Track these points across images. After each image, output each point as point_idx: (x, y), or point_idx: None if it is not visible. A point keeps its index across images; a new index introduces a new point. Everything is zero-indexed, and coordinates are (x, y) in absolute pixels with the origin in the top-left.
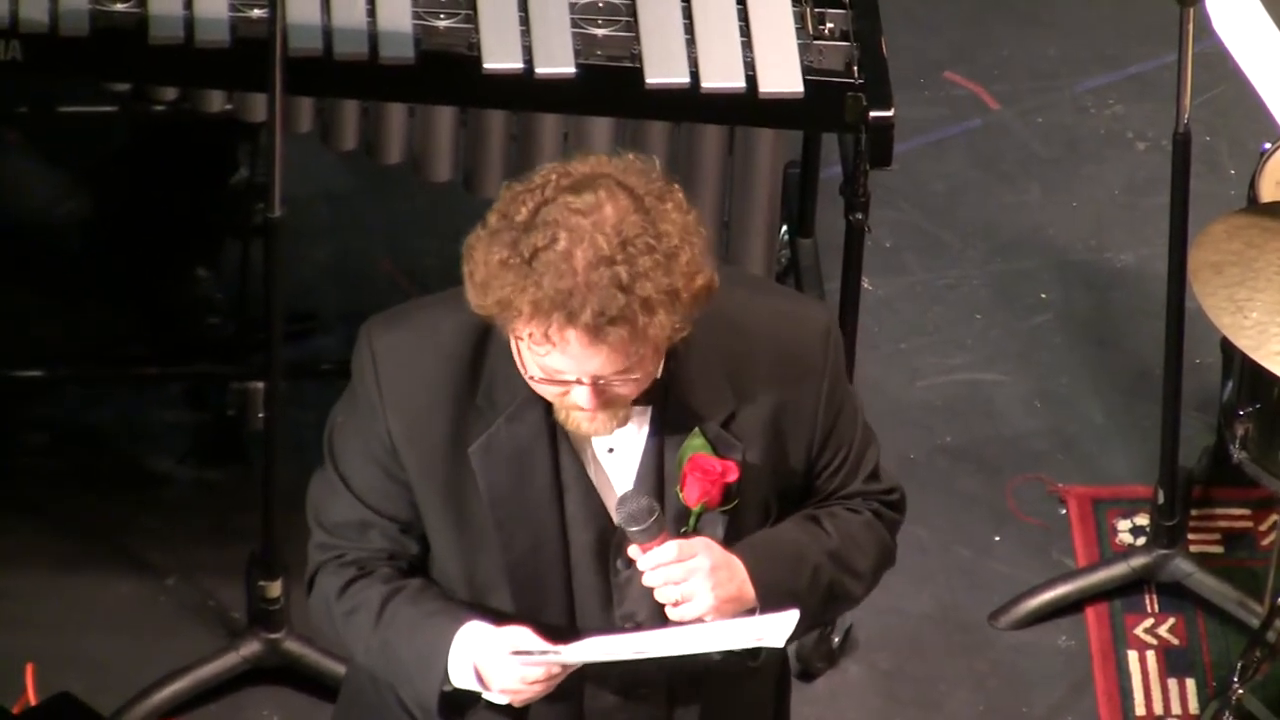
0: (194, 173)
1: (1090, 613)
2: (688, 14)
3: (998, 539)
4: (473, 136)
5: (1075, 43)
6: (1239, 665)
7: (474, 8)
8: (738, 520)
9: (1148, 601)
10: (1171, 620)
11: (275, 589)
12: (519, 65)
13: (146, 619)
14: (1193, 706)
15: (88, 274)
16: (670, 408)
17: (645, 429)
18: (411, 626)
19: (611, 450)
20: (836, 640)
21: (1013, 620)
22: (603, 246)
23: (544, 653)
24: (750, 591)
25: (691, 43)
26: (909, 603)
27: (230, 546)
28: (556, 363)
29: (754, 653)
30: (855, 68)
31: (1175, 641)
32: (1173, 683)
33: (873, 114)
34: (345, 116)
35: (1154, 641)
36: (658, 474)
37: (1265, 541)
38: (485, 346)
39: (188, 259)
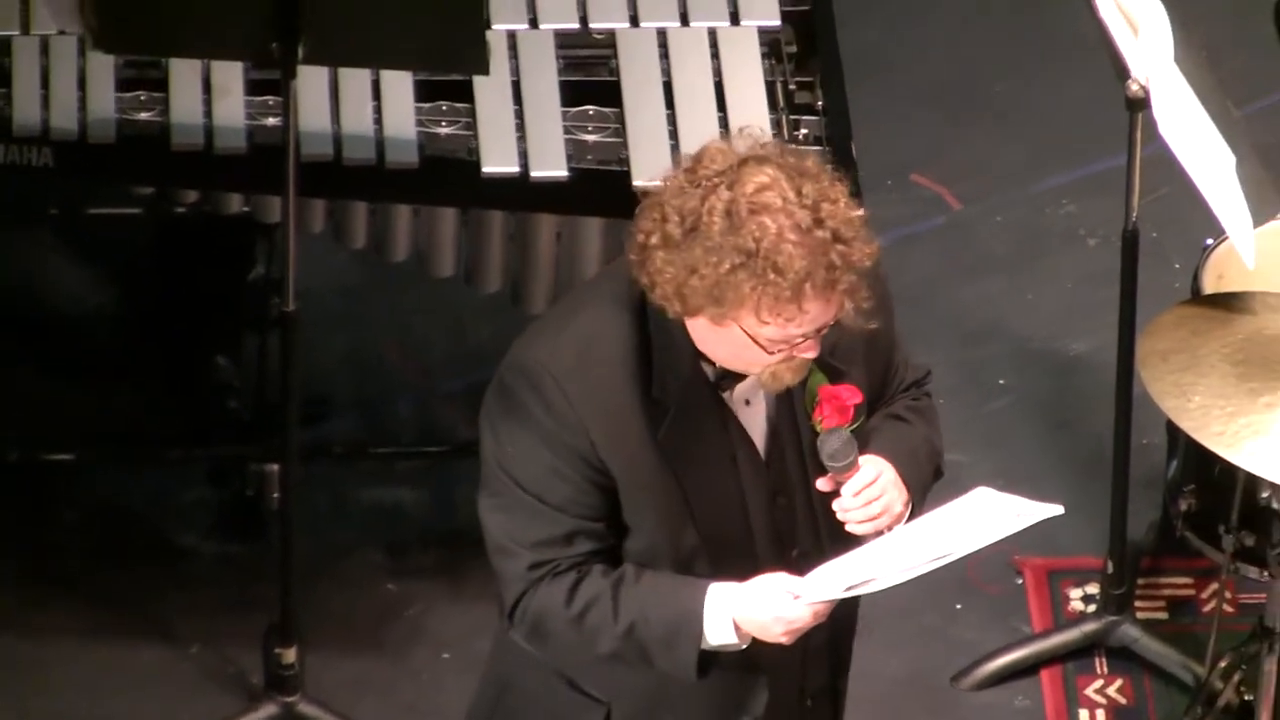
0: (214, 269)
1: (1045, 675)
2: (672, 121)
3: (959, 607)
4: (473, 235)
5: (1032, 147)
6: None
7: (473, 115)
8: (859, 433)
9: (1098, 664)
10: (1120, 681)
11: (290, 655)
12: (515, 169)
13: (171, 683)
14: None
15: (117, 364)
16: None
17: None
18: (655, 603)
19: (749, 402)
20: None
21: (974, 682)
22: (803, 216)
23: (860, 584)
24: (906, 489)
25: (676, 148)
26: (881, 666)
27: (249, 616)
28: (801, 328)
29: None
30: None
31: (1124, 701)
32: None
33: None
34: (355, 217)
35: (1104, 701)
36: (790, 410)
37: (1207, 608)
38: (646, 342)
39: (209, 349)
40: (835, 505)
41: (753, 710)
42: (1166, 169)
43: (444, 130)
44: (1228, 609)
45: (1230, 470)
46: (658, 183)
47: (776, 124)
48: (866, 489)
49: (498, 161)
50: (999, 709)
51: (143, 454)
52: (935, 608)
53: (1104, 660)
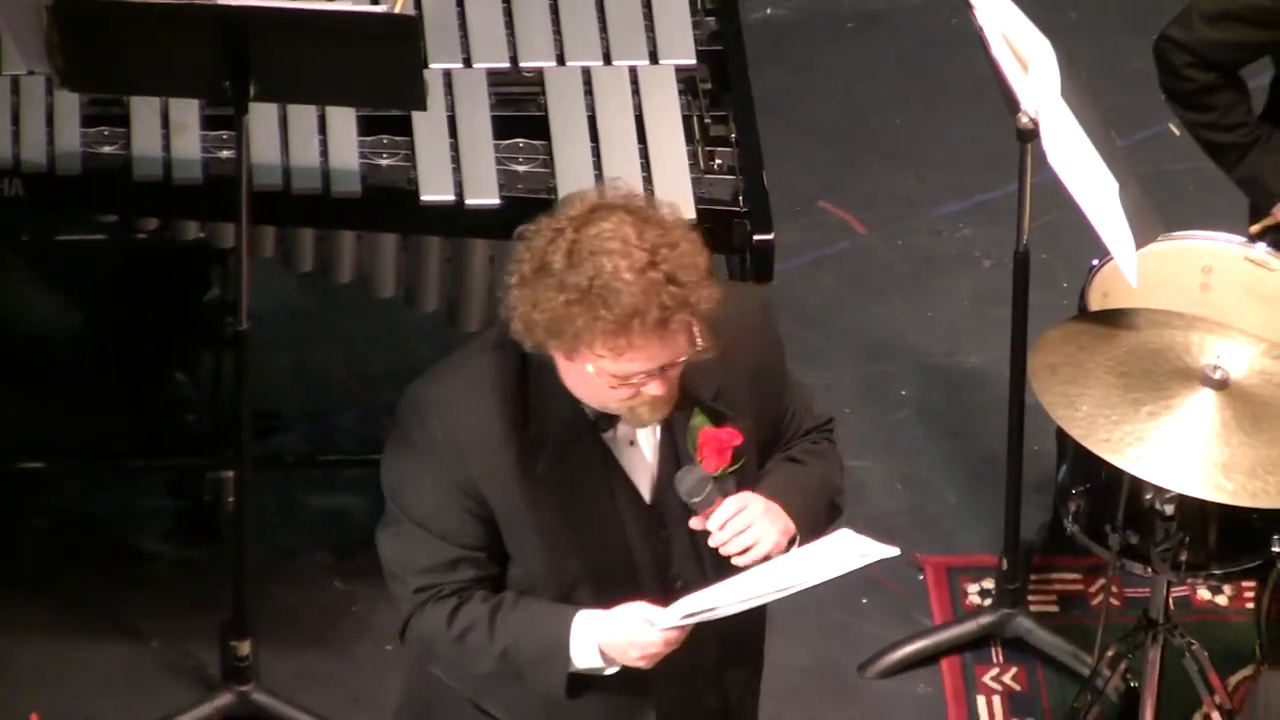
0: (172, 291)
1: (945, 664)
2: (596, 152)
3: (865, 601)
4: (412, 258)
5: (931, 176)
6: (1073, 708)
7: (412, 148)
8: (743, 475)
9: (994, 654)
10: (1015, 669)
11: (245, 648)
12: (451, 197)
13: (134, 677)
14: None
15: (82, 380)
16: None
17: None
18: (527, 629)
19: (633, 443)
20: None
21: (878, 671)
22: (640, 257)
23: (699, 612)
24: (791, 524)
25: (600, 177)
26: (789, 657)
27: (206, 614)
28: (635, 365)
29: None
30: (741, 198)
31: (1018, 688)
32: None
33: (756, 237)
34: (302, 242)
35: (1000, 688)
36: (673, 452)
37: (1095, 602)
38: (525, 381)
39: (168, 365)
40: (710, 540)
41: None
42: (1055, 195)
43: (385, 161)
44: (1114, 602)
45: (1116, 474)
46: (531, 225)
47: (693, 154)
48: (731, 521)
49: (435, 190)
50: (902, 696)
51: (107, 464)
52: (841, 603)
53: (1000, 650)
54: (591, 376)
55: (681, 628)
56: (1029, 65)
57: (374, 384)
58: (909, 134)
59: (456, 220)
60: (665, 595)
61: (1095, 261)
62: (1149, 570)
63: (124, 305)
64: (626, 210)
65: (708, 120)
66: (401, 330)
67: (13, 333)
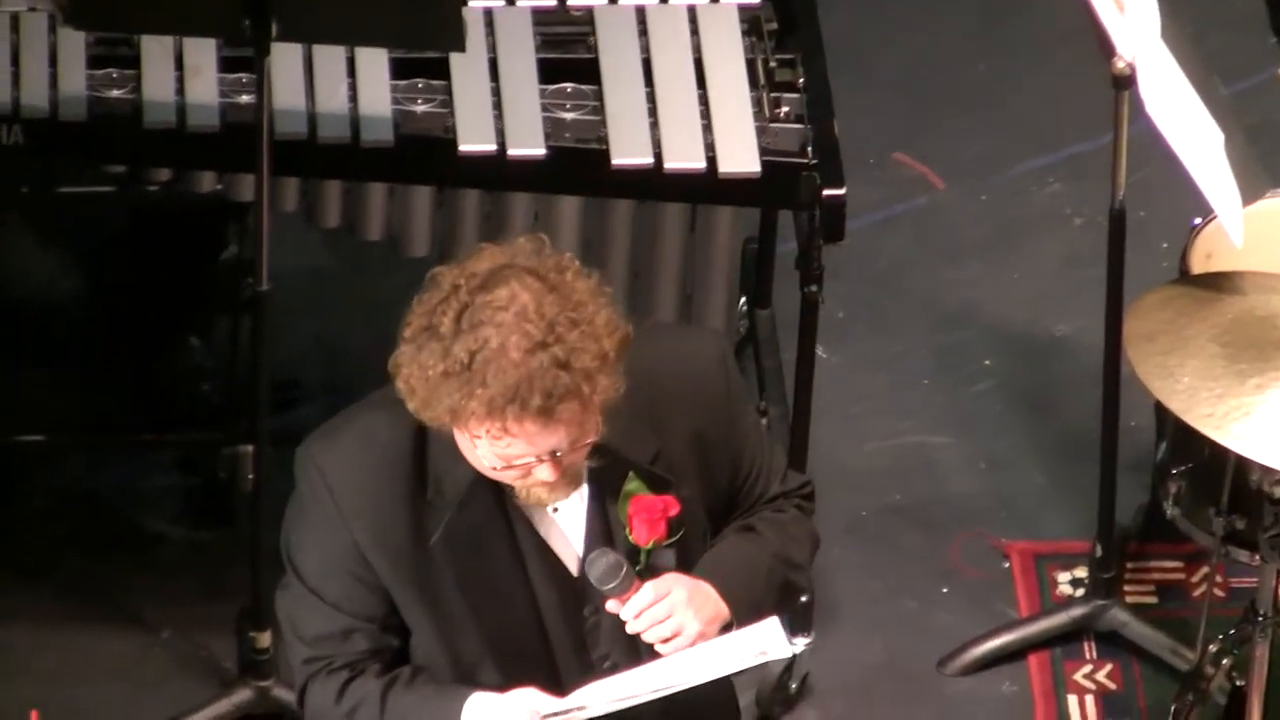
0: (186, 249)
1: (1032, 660)
2: (651, 99)
3: (945, 591)
4: (448, 214)
5: (1015, 127)
6: (1172, 709)
7: (449, 93)
8: (684, 548)
9: (1086, 649)
10: (1109, 666)
11: (265, 639)
12: (492, 147)
13: (142, 670)
14: None
15: (87, 346)
16: (602, 459)
17: (583, 485)
18: (417, 711)
19: (556, 509)
20: (794, 687)
21: (959, 668)
22: (532, 333)
23: (568, 710)
24: (725, 608)
25: (655, 125)
26: (861, 652)
27: (221, 602)
28: (516, 449)
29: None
30: (809, 149)
31: (1113, 686)
32: None
33: (825, 192)
34: (328, 196)
35: (1092, 687)
36: (604, 522)
37: (1196, 592)
38: (423, 443)
39: (180, 331)
40: (627, 628)
41: None
42: (1153, 148)
43: (420, 108)
44: (1218, 593)
45: (1220, 453)
46: (443, 269)
47: (757, 101)
48: (648, 610)
49: (474, 140)
50: (984, 695)
51: (113, 438)
52: (918, 593)
53: (1093, 645)
54: (475, 453)
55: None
56: (1125, 5)
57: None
58: (993, 80)
59: (497, 172)
60: (589, 677)
61: (1197, 220)
62: (1256, 558)
63: (133, 264)
64: (535, 275)
65: (773, 64)
66: None
67: (11, 294)
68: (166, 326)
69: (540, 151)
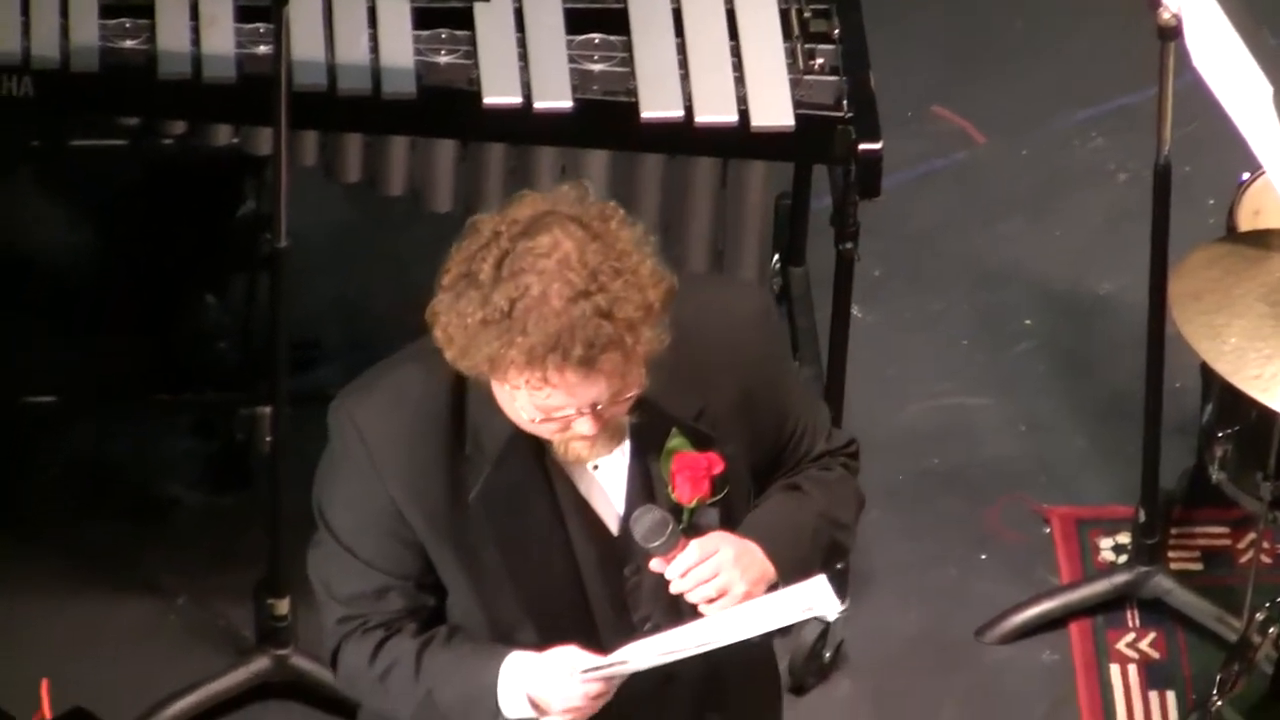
0: (202, 205)
1: (1073, 628)
2: (682, 50)
3: (983, 558)
4: (473, 169)
5: (1059, 78)
6: (1218, 678)
7: (474, 44)
8: (727, 506)
9: (1129, 617)
10: (1152, 635)
11: (283, 607)
12: (518, 100)
13: (157, 638)
14: (1173, 718)
15: (99, 304)
16: (644, 415)
17: (624, 441)
18: (453, 670)
19: (596, 467)
20: (828, 655)
21: (998, 636)
22: (574, 281)
23: (610, 665)
24: (771, 568)
25: (686, 78)
26: (897, 620)
27: (238, 568)
28: (557, 400)
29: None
30: (844, 102)
31: (1156, 656)
32: (1154, 696)
33: (861, 147)
34: (349, 150)
35: (1135, 656)
36: (645, 480)
37: (1243, 559)
38: (461, 398)
39: (196, 289)
40: (671, 587)
41: None
42: (1199, 101)
43: (443, 59)
44: (1265, 560)
45: (1268, 415)
46: (483, 216)
47: (791, 52)
48: (694, 570)
49: (499, 92)
50: (1024, 665)
51: (127, 400)
52: (956, 560)
53: (1136, 613)
54: (514, 404)
55: (606, 681)
56: None
57: (425, 310)
58: (1034, 31)
59: (523, 126)
60: (629, 638)
61: (1245, 176)
62: None
63: (147, 221)
64: (577, 223)
65: (807, 14)
66: None
67: (22, 251)
68: (182, 285)
69: (567, 104)
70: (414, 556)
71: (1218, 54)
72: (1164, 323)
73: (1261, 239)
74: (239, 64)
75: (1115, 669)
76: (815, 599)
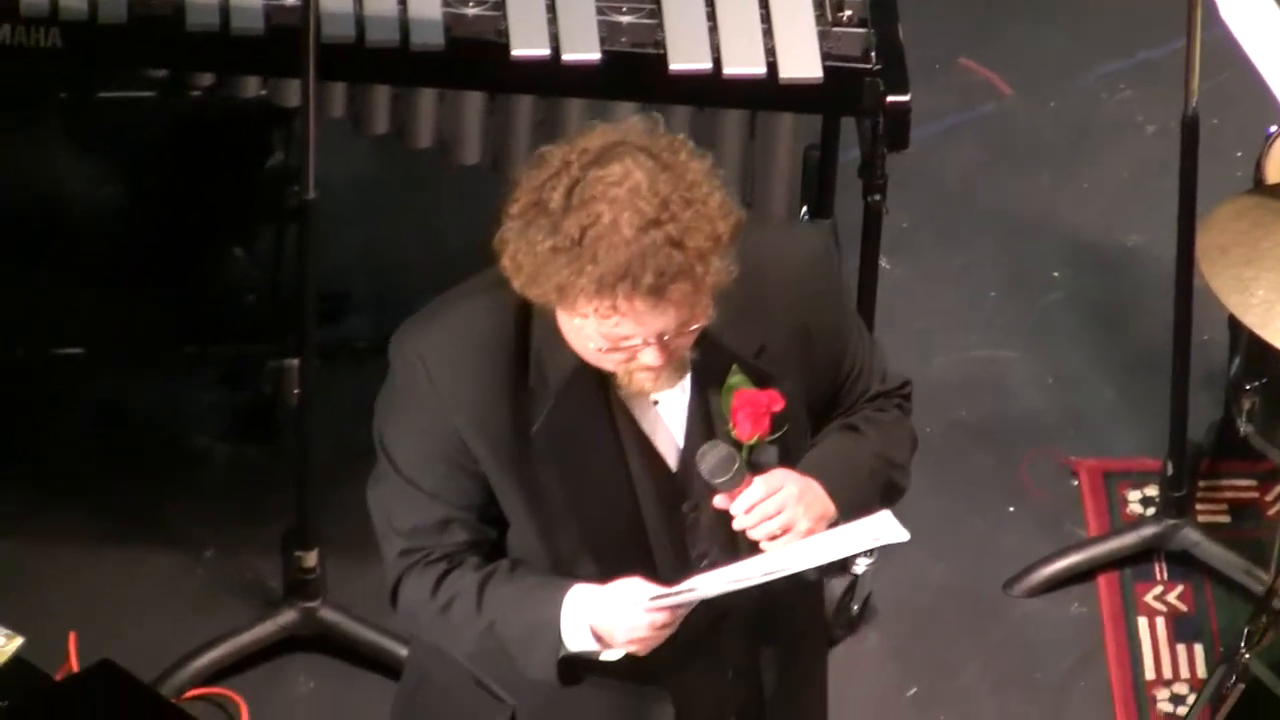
0: (229, 157)
1: (1101, 581)
2: (710, 2)
3: (1012, 510)
4: (501, 121)
5: (1086, 31)
6: (1245, 631)
7: None
8: (785, 445)
9: (1157, 570)
10: (1180, 588)
11: (311, 559)
12: (546, 51)
13: (185, 590)
14: (1200, 671)
15: (126, 256)
16: (705, 351)
17: (686, 376)
18: (516, 602)
19: (657, 402)
20: (856, 608)
21: (1026, 589)
22: (645, 210)
23: (679, 593)
24: (832, 507)
25: (714, 29)
26: (925, 573)
27: (266, 520)
28: (625, 329)
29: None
30: (873, 54)
31: (1184, 608)
32: (1181, 648)
33: (889, 99)
34: (377, 102)
35: (1163, 609)
36: (705, 416)
37: (1271, 512)
38: (526, 329)
39: (224, 241)
40: (734, 523)
41: None
42: (1227, 53)
43: (471, 11)
44: None
45: None
46: (549, 148)
47: (819, 3)
48: (759, 505)
49: (527, 44)
50: (1052, 617)
51: (153, 351)
52: (984, 513)
53: (1163, 566)
54: (581, 334)
55: (672, 610)
56: None
57: (454, 262)
58: None
59: (551, 78)
60: (687, 574)
61: (1273, 129)
62: None
63: (175, 173)
64: (647, 154)
65: None
66: (486, 202)
67: (50, 203)
68: (209, 237)
69: (595, 56)
70: (477, 488)
71: (1245, 6)
72: (1192, 275)
73: None
74: (267, 15)
75: (1143, 621)
76: (883, 530)
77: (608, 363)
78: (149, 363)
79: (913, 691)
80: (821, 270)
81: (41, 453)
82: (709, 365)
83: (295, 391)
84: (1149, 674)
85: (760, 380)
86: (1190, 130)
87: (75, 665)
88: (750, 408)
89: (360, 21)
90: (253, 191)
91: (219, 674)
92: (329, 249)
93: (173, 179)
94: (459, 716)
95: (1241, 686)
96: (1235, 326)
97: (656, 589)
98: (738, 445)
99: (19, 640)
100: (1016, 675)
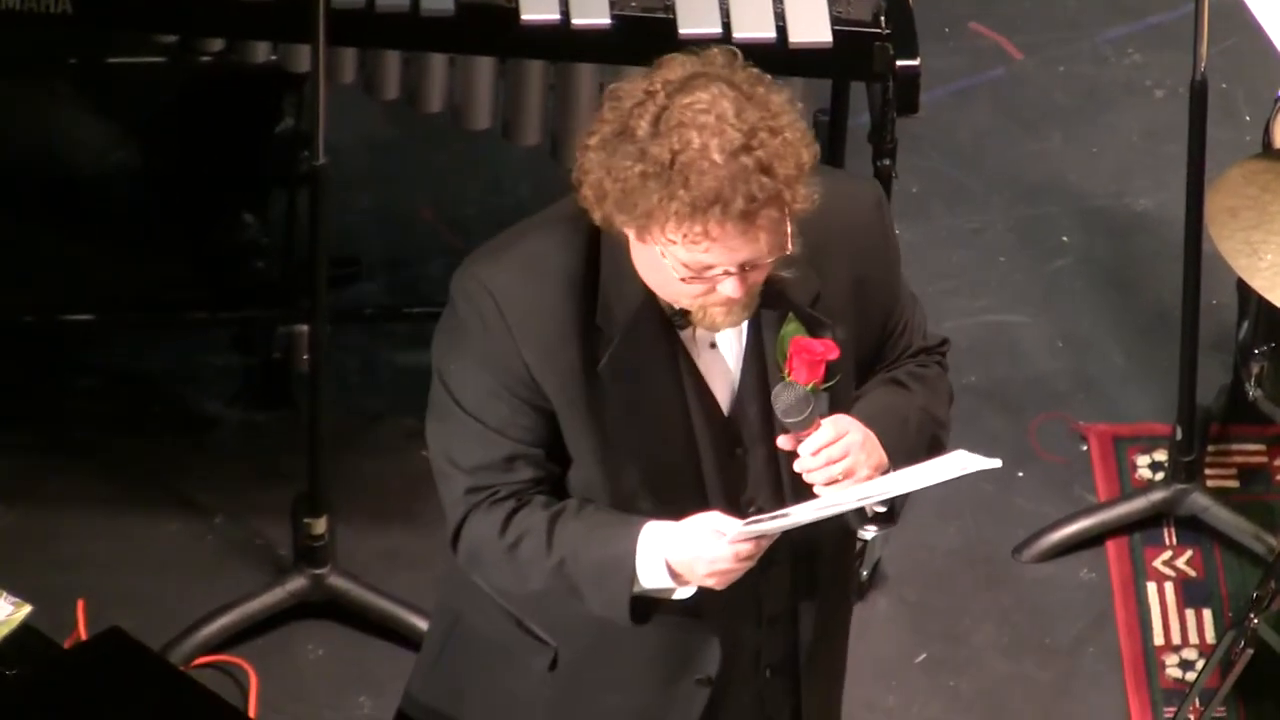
0: (240, 122)
1: (1111, 546)
2: None
3: (1021, 475)
4: (511, 86)
5: None
6: (1255, 596)
7: None
8: (835, 395)
9: (1166, 535)
10: (1189, 553)
11: (320, 526)
12: (556, 16)
13: (194, 557)
14: (1210, 636)
15: (138, 221)
16: (764, 297)
17: (754, 313)
18: (587, 539)
19: (714, 345)
20: (865, 574)
21: (1036, 554)
22: (734, 137)
23: (771, 519)
24: (885, 457)
25: None
26: (935, 537)
27: (276, 486)
28: (712, 257)
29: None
30: (882, 18)
31: (1193, 573)
32: (1190, 613)
33: (899, 63)
34: (387, 67)
35: (1172, 574)
36: (759, 361)
37: (1279, 476)
38: (595, 266)
39: (235, 206)
40: (796, 465)
41: (703, 669)
42: (1236, 18)
43: None
44: None
45: None
46: (625, 85)
47: None
48: (826, 449)
49: (537, 8)
50: (1061, 582)
51: (164, 316)
52: (993, 477)
53: (1172, 531)
54: (662, 263)
55: (755, 541)
56: None
57: (466, 227)
58: None
59: (562, 42)
60: (737, 518)
61: None
62: None
63: (185, 138)
64: (729, 84)
65: None
66: (497, 167)
67: (61, 168)
68: (220, 202)
69: (605, 21)
70: (544, 424)
71: None
72: (1201, 240)
73: None
74: None
75: (1152, 587)
76: (967, 461)
77: (684, 295)
78: (159, 328)
79: (922, 657)
80: (876, 221)
81: (50, 419)
82: (766, 310)
83: (305, 357)
84: (1158, 639)
85: (814, 328)
86: (1199, 94)
87: (84, 633)
88: (807, 354)
89: None
90: (264, 157)
91: (228, 641)
92: (340, 214)
93: (183, 145)
94: (499, 659)
95: (1250, 651)
96: (1244, 290)
97: (738, 521)
98: (813, 393)
99: (27, 608)
100: (1026, 640)
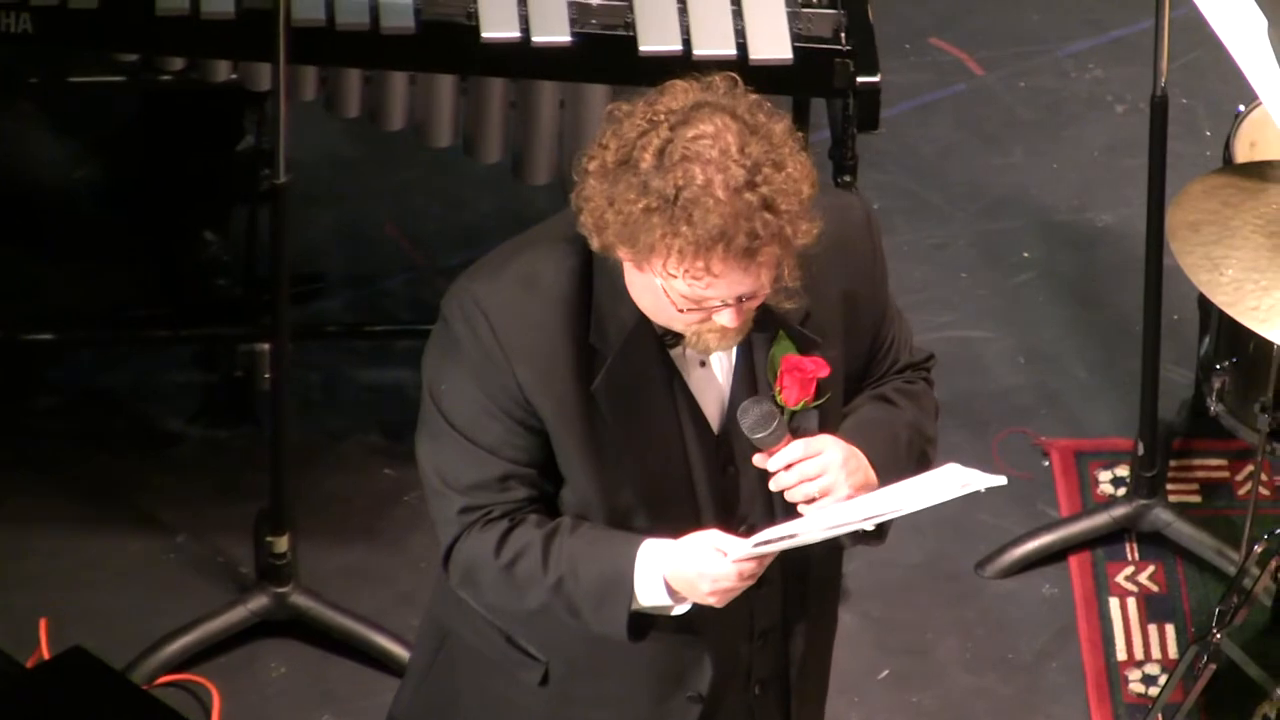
0: (202, 140)
1: (1073, 561)
2: None
3: (983, 491)
4: (472, 103)
5: (1056, 9)
6: (1217, 611)
7: None
8: (824, 411)
9: (1129, 550)
10: (1152, 568)
11: (283, 544)
12: (516, 34)
13: (156, 575)
14: (1172, 651)
15: (99, 239)
16: (755, 315)
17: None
18: (585, 558)
19: (704, 363)
20: None
21: (998, 569)
22: (738, 174)
23: (778, 538)
24: (873, 475)
25: (684, 11)
26: (899, 553)
27: (239, 504)
28: (712, 291)
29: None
30: (843, 34)
31: (1155, 589)
32: (1153, 628)
33: (860, 79)
34: (348, 85)
35: (1135, 589)
36: (750, 379)
37: (1241, 491)
38: (589, 286)
39: (196, 224)
40: (770, 483)
41: (694, 686)
42: (1197, 32)
43: None
44: (1264, 491)
45: (1266, 347)
46: (625, 106)
47: None
48: (800, 465)
49: (498, 26)
50: (1024, 597)
51: (126, 334)
52: None
53: (1135, 546)
54: (659, 292)
55: (758, 558)
56: None
57: (428, 244)
58: None
59: (522, 60)
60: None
61: (1242, 107)
62: None
63: (146, 156)
64: (733, 116)
65: None
66: (460, 184)
67: (21, 186)
68: (182, 220)
69: (566, 38)
70: (537, 443)
71: None
72: (1162, 254)
73: (1259, 170)
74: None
75: (1115, 602)
76: (969, 479)
77: (679, 322)
78: (121, 345)
79: (885, 672)
80: (864, 237)
81: (12, 436)
82: (756, 329)
83: (267, 375)
84: (1121, 654)
85: (805, 346)
86: (1160, 109)
87: (46, 652)
88: (798, 373)
89: (331, 4)
90: (225, 175)
91: (191, 660)
92: (302, 231)
93: (145, 163)
94: (489, 675)
95: (1213, 666)
96: (1206, 305)
97: (740, 540)
98: (781, 409)
99: None
100: (989, 655)
